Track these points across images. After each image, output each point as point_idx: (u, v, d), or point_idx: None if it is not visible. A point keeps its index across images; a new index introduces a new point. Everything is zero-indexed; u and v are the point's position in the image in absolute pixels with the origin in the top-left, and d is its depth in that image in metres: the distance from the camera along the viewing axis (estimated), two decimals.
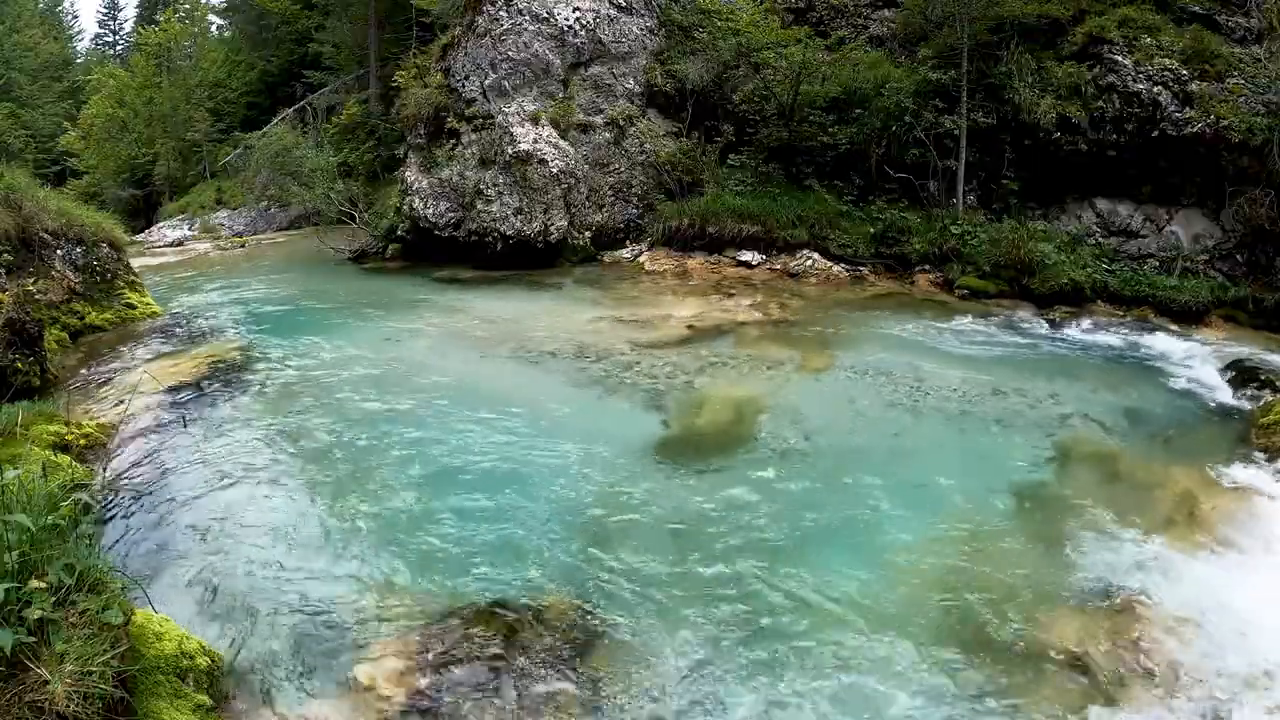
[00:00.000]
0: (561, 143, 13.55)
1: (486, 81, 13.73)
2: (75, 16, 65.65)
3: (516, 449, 5.91)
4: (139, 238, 21.40)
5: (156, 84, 30.69)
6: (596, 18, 14.08)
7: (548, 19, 13.81)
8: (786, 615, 4.17)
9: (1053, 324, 10.02)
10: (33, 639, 2.63)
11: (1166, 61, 11.39)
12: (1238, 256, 10.96)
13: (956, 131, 12.45)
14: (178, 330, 8.89)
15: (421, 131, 14.71)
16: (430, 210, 13.94)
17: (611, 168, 14.00)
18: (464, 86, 13.97)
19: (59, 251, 8.70)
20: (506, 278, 12.35)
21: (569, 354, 8.25)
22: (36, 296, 7.93)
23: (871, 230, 12.56)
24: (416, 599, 4.17)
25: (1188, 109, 11.07)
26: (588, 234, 13.62)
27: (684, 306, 10.35)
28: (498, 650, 3.82)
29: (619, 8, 14.35)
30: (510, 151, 13.19)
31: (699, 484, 5.53)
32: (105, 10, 55.62)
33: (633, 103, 14.30)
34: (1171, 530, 5.01)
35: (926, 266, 11.95)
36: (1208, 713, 3.63)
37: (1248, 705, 3.66)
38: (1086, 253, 11.37)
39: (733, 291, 11.18)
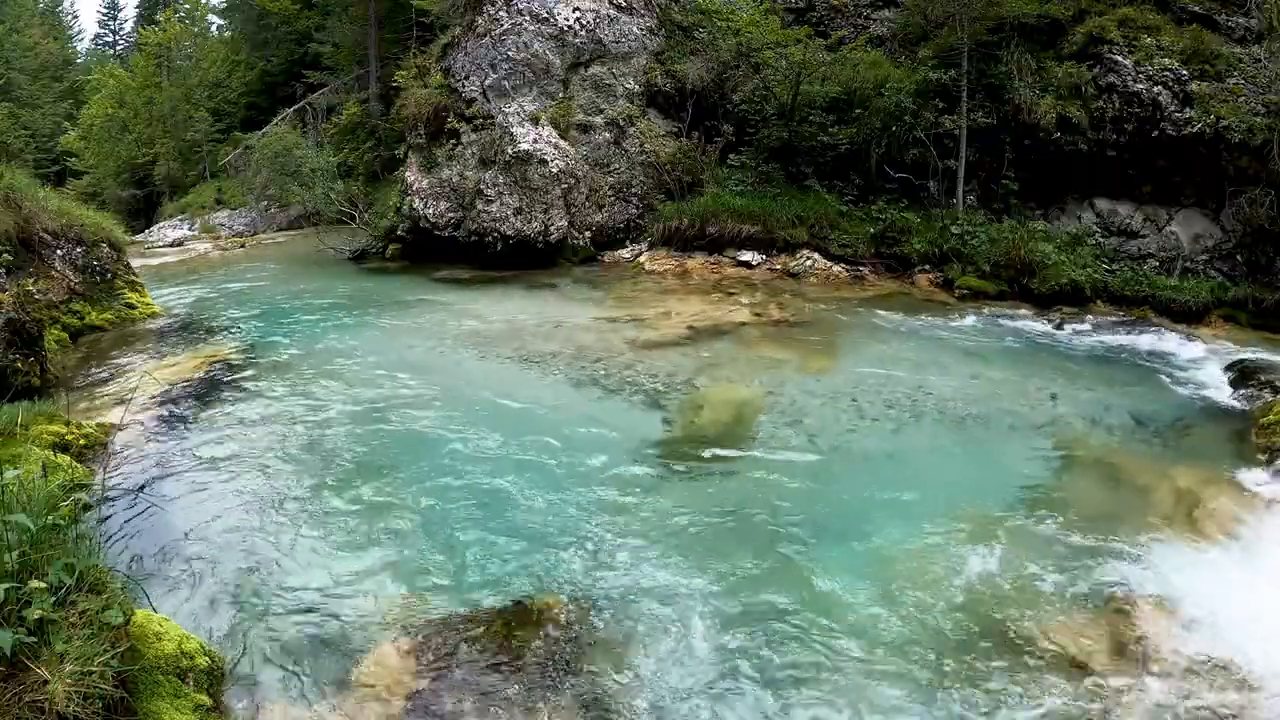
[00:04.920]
0: (561, 143, 13.55)
1: (486, 81, 13.72)
2: (75, 16, 65.74)
3: (516, 449, 5.91)
4: (139, 238, 21.38)
5: (156, 84, 30.68)
6: (596, 18, 14.07)
7: (548, 19, 13.81)
8: (785, 615, 4.16)
9: (1053, 324, 10.02)
10: (33, 639, 2.63)
11: (1166, 61, 11.39)
12: (1238, 256, 10.96)
13: (956, 131, 12.45)
14: (178, 330, 8.89)
15: (421, 131, 14.70)
16: (430, 210, 13.94)
17: (611, 168, 14.00)
18: (464, 86, 13.97)
19: (59, 251, 8.70)
20: (506, 278, 12.35)
21: (569, 354, 8.25)
22: (36, 296, 7.93)
23: (871, 230, 12.56)
24: (416, 599, 4.17)
25: (1188, 109, 11.07)
26: (588, 234, 13.62)
27: (684, 306, 10.34)
28: (497, 651, 3.82)
29: (619, 8, 14.35)
30: (510, 151, 13.19)
31: (698, 484, 5.53)
32: (105, 10, 55.74)
33: (633, 103, 14.30)
34: (1171, 530, 5.01)
35: (926, 266, 11.95)
36: (1207, 712, 3.63)
37: (1247, 705, 3.66)
38: (1086, 253, 11.37)
39: (733, 291, 11.18)
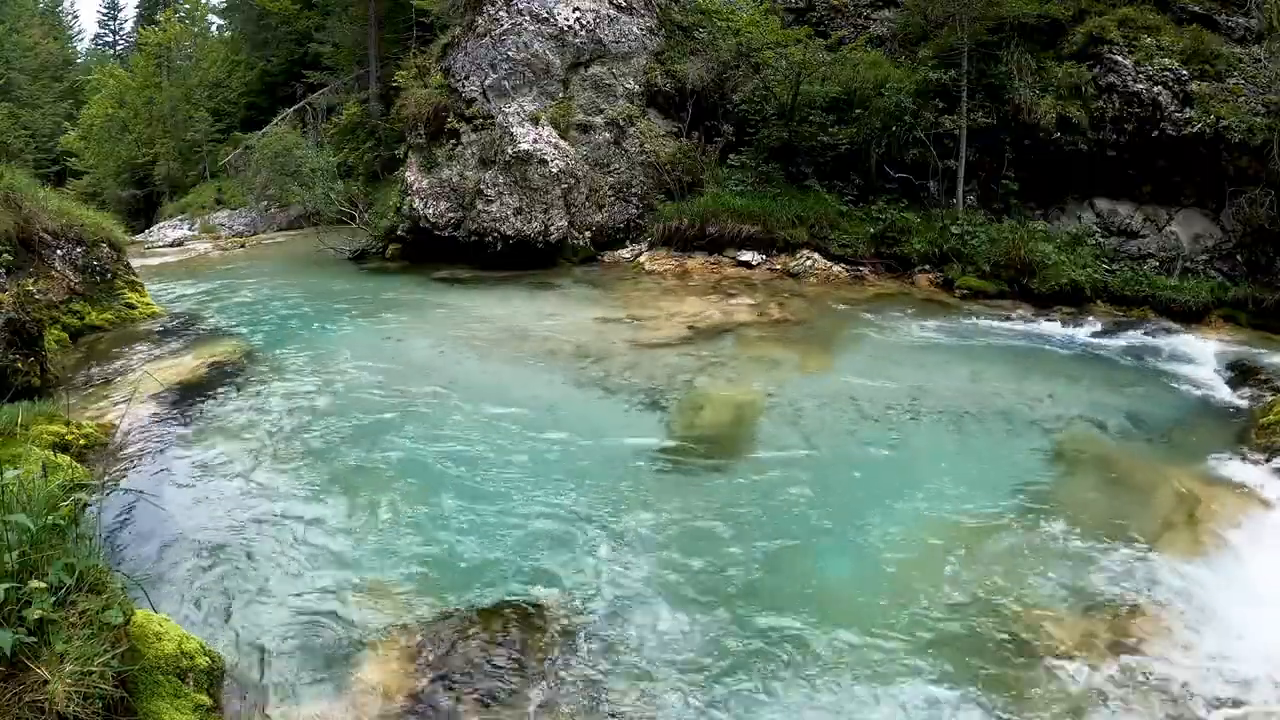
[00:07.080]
0: (561, 143, 13.54)
1: (486, 81, 13.72)
2: (75, 16, 65.75)
3: (516, 450, 5.91)
4: (139, 238, 21.38)
5: (156, 84, 30.68)
6: (596, 18, 14.07)
7: (548, 19, 13.80)
8: (784, 615, 4.17)
9: (1053, 324, 10.02)
10: (33, 639, 2.63)
11: (1166, 61, 11.38)
12: (1238, 256, 10.95)
13: (956, 131, 12.45)
14: (177, 330, 8.89)
15: (421, 131, 14.69)
16: (430, 210, 13.94)
17: (611, 168, 14.00)
18: (464, 86, 13.97)
19: (59, 251, 8.70)
20: (506, 278, 12.35)
21: (569, 354, 8.25)
22: (36, 296, 7.92)
23: (871, 230, 12.56)
24: (416, 599, 4.17)
25: (1188, 109, 11.07)
26: (588, 234, 13.61)
27: (684, 307, 10.34)
28: (497, 650, 3.82)
29: (619, 8, 14.34)
30: (510, 151, 13.19)
31: (698, 485, 5.53)
32: (105, 10, 55.76)
33: (633, 103, 14.29)
34: (1171, 531, 5.01)
35: (926, 266, 11.95)
36: (1205, 714, 3.63)
37: (1245, 706, 3.66)
38: (1086, 253, 11.37)
39: (733, 292, 11.18)
